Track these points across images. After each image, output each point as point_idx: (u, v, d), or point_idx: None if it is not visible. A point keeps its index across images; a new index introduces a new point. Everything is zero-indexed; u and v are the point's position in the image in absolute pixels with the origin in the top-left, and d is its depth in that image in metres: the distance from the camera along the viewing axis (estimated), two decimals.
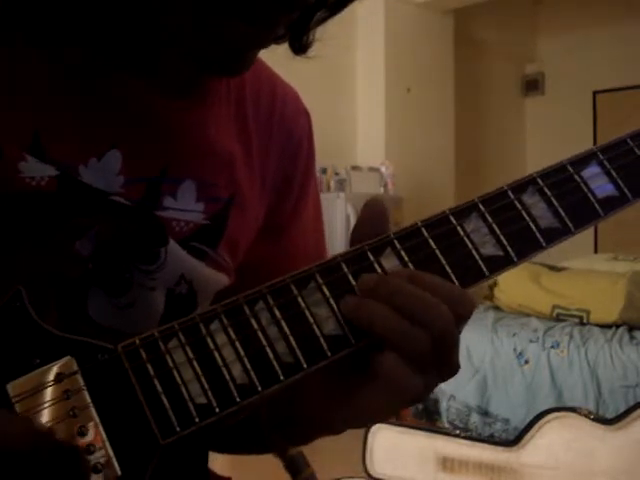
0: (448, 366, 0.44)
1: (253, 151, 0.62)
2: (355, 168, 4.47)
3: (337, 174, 4.34)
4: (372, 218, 0.47)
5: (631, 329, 3.09)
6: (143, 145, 0.53)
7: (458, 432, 2.40)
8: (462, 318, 0.43)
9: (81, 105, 0.50)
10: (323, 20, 0.56)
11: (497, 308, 3.59)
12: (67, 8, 0.50)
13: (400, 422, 2.41)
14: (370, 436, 2.28)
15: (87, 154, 0.50)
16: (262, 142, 0.63)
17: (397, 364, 0.42)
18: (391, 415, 0.47)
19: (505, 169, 5.74)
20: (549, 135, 6.05)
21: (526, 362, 3.07)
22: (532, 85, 6.33)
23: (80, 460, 0.39)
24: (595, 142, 5.86)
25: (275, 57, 0.60)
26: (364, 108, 4.82)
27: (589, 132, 5.98)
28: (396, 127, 4.74)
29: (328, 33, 0.58)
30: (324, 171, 4.26)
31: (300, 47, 0.56)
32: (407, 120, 4.79)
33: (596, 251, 5.45)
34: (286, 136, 0.65)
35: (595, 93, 6.04)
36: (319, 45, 0.58)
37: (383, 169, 4.51)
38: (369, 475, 2.31)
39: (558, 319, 3.30)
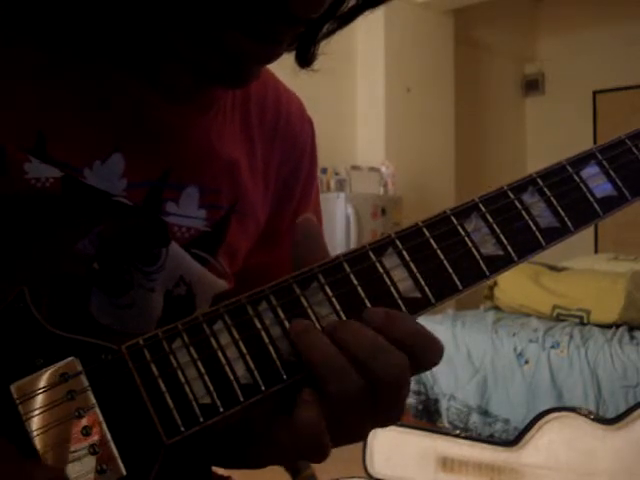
0: (386, 415, 0.43)
1: (257, 158, 0.62)
2: (355, 168, 4.48)
3: (337, 174, 4.35)
4: (306, 238, 0.47)
5: (631, 329, 3.10)
6: (145, 149, 0.53)
7: (458, 432, 2.40)
8: (426, 367, 0.43)
9: (82, 107, 0.50)
10: (330, 33, 0.55)
11: (497, 308, 3.59)
12: (68, 11, 0.50)
13: (400, 422, 2.41)
14: (370, 436, 2.29)
15: (91, 157, 0.50)
16: (266, 149, 0.63)
17: (317, 422, 0.41)
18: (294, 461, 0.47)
19: (505, 169, 5.74)
20: (549, 135, 6.06)
21: (526, 362, 3.07)
22: (532, 85, 6.33)
23: None
24: (595, 142, 5.86)
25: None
26: (364, 108, 4.82)
27: (589, 132, 5.99)
28: (396, 127, 4.74)
29: None
30: (324, 171, 4.27)
31: (305, 60, 0.55)
32: (407, 120, 4.79)
33: (596, 251, 5.46)
34: (290, 143, 0.65)
35: (595, 93, 6.05)
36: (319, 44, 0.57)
37: (383, 169, 4.52)
38: (369, 475, 2.31)
39: (558, 319, 3.31)
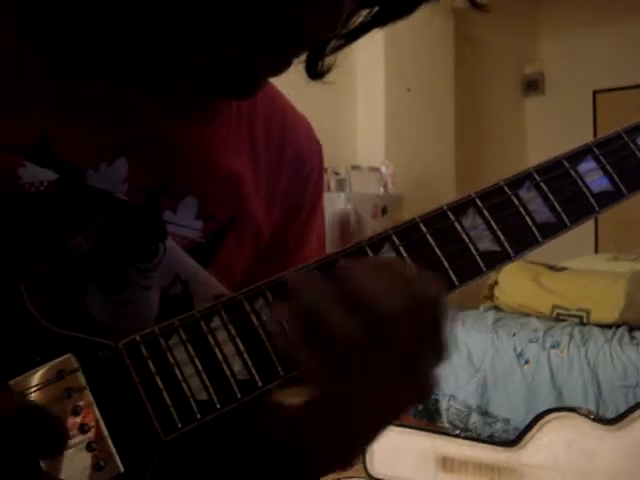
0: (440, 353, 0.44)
1: (261, 175, 0.62)
2: (355, 168, 4.47)
3: (337, 174, 4.34)
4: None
5: (631, 329, 3.10)
6: (147, 156, 0.53)
7: (458, 432, 2.40)
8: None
9: (86, 109, 0.51)
10: (339, 48, 0.56)
11: (497, 308, 3.59)
12: (72, 17, 0.50)
13: (400, 422, 2.41)
14: None
15: (96, 159, 0.50)
16: (272, 167, 0.63)
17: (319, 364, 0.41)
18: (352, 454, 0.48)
19: (505, 169, 5.69)
20: (549, 135, 6.05)
21: (526, 362, 3.07)
22: (532, 85, 6.33)
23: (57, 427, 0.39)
24: None
25: None
26: (364, 108, 4.82)
27: (589, 132, 5.98)
28: (396, 127, 4.74)
29: None
30: (324, 171, 4.26)
31: (315, 73, 0.58)
32: (407, 120, 4.79)
33: (596, 251, 5.45)
34: (298, 165, 0.66)
35: (595, 93, 6.05)
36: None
37: (383, 169, 4.52)
38: (369, 475, 2.31)
39: (558, 319, 3.31)
